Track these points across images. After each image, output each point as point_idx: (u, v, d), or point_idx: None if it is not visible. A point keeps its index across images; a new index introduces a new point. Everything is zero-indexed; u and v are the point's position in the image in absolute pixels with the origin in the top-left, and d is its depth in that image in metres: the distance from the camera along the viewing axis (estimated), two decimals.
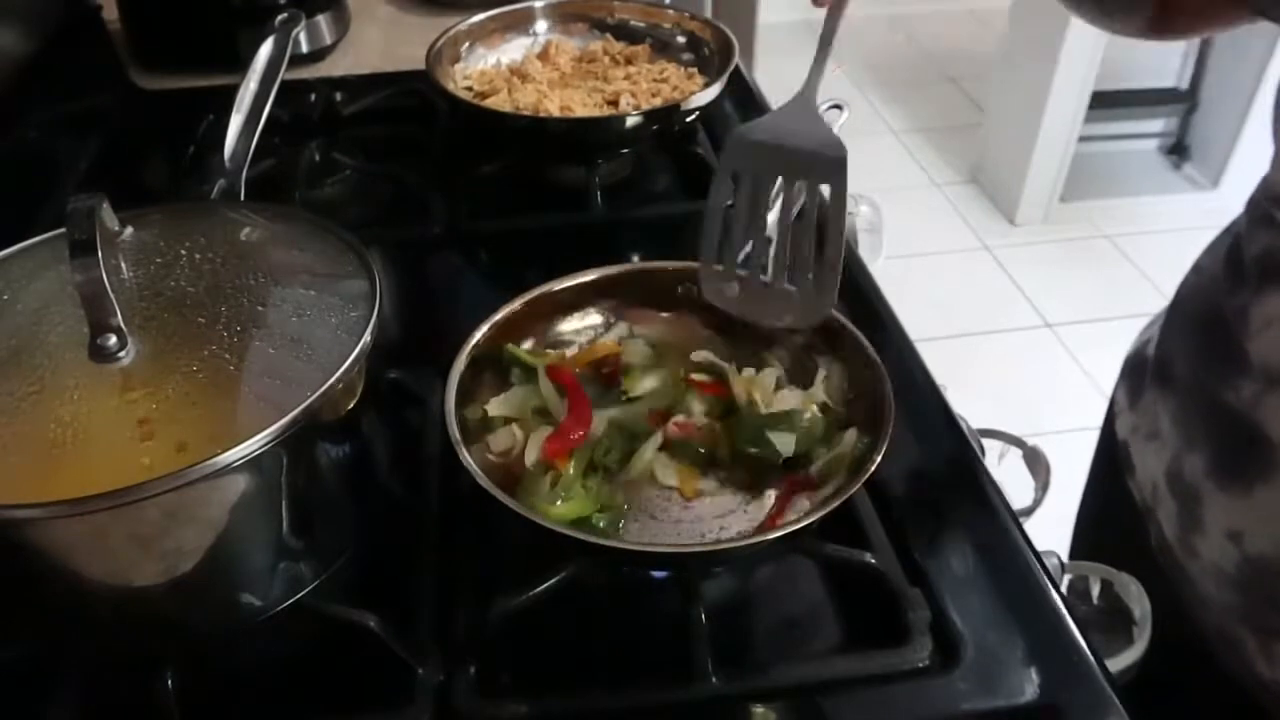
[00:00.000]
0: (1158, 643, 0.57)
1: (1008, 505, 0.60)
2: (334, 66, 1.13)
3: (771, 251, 0.60)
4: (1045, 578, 0.56)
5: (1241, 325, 0.58)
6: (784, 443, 0.56)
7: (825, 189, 0.58)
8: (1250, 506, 0.58)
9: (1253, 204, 0.61)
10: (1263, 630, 0.59)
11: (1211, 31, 0.69)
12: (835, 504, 0.51)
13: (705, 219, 0.60)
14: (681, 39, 1.00)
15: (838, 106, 0.73)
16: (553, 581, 0.52)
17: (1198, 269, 0.68)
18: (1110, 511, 0.74)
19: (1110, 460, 0.75)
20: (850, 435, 0.57)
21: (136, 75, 1.11)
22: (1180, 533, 0.64)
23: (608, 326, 0.66)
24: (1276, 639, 0.58)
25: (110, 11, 1.11)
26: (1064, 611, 0.54)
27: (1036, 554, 0.57)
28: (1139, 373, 0.72)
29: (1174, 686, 0.61)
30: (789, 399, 0.59)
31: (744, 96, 1.04)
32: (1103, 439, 0.78)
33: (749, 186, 0.59)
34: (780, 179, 0.60)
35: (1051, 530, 0.73)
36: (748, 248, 0.60)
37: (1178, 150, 2.72)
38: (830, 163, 0.57)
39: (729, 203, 0.60)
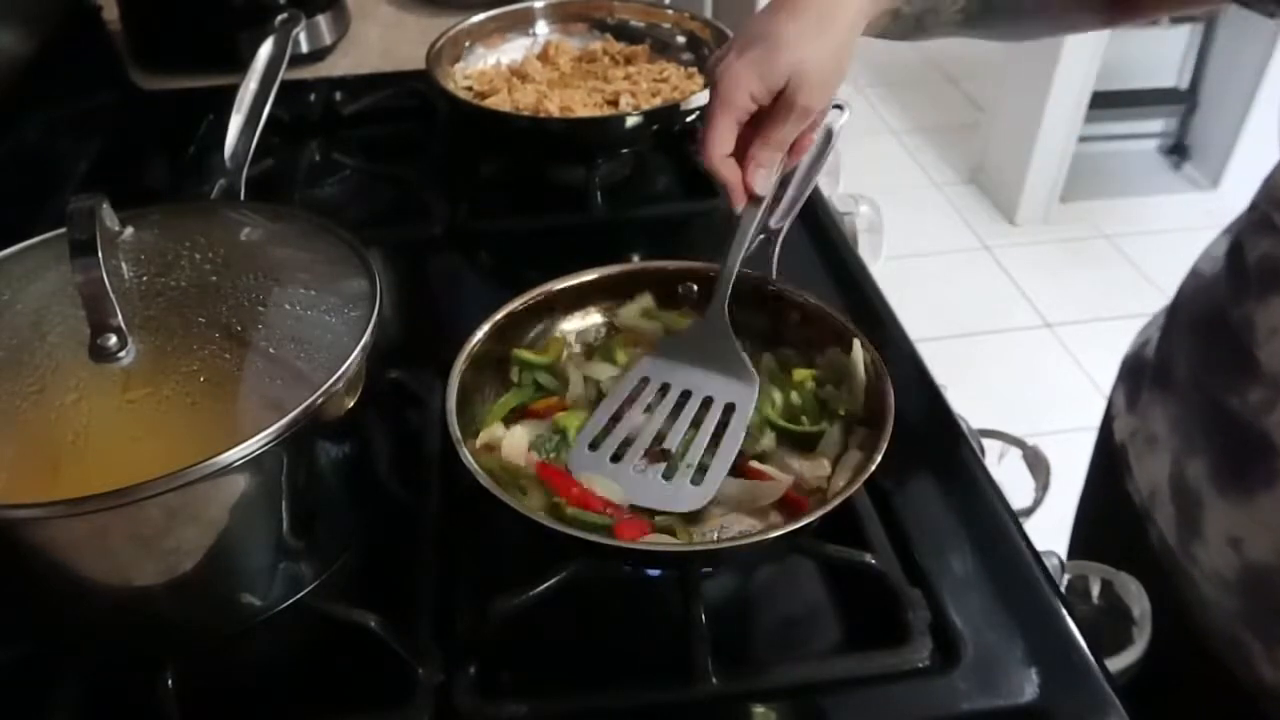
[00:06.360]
0: (1158, 643, 0.56)
1: (1008, 505, 0.60)
2: (334, 66, 1.14)
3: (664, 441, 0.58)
4: (1045, 578, 0.56)
5: (1248, 331, 0.58)
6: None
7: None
8: (1251, 513, 0.57)
9: (1254, 207, 0.61)
10: (1267, 636, 0.59)
11: (1183, 10, 0.68)
12: (835, 504, 0.51)
13: (598, 411, 0.59)
14: (681, 39, 1.00)
15: (838, 106, 0.73)
16: (553, 581, 0.52)
17: (1196, 272, 0.68)
18: (1109, 513, 0.74)
19: (1108, 462, 0.74)
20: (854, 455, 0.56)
21: (136, 75, 1.11)
22: (1180, 538, 0.64)
23: (608, 328, 0.66)
24: None
25: (110, 11, 1.11)
26: (1064, 611, 0.54)
27: (1036, 554, 0.57)
28: (1137, 375, 0.72)
29: (1174, 687, 0.61)
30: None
31: None
32: (1100, 441, 0.78)
33: (656, 393, 0.60)
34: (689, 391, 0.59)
35: (1051, 530, 0.73)
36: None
37: (1178, 150, 2.72)
38: (742, 389, 0.58)
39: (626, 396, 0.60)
